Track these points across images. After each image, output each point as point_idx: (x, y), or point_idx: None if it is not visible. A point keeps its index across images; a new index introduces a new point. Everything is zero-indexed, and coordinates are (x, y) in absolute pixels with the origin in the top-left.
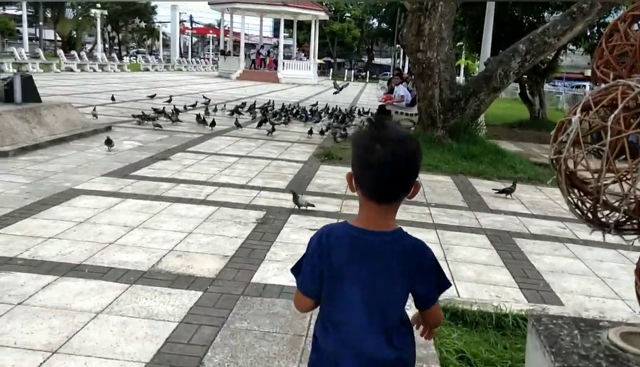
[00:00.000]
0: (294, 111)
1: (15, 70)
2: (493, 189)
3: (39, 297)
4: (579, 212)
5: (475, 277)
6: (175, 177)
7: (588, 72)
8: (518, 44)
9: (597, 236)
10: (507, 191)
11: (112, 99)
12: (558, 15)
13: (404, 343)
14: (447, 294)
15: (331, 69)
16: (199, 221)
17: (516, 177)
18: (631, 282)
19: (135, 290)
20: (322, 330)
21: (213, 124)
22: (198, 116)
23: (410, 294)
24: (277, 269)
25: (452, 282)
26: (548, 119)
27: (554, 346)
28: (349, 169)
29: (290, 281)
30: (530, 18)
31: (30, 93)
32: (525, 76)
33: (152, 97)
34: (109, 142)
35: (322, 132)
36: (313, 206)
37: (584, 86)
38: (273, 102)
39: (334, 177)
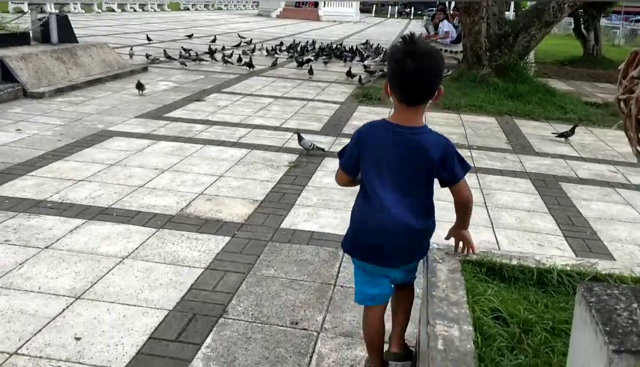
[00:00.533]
0: (336, 50)
1: (57, 11)
2: (552, 133)
3: (66, 241)
4: None
5: (517, 225)
6: (208, 119)
7: None
8: None
9: None
10: (566, 135)
11: (148, 39)
12: None
13: (424, 219)
14: (485, 245)
15: (374, 6)
16: (230, 163)
17: (565, 118)
18: None
19: (162, 235)
20: (358, 200)
21: (251, 65)
22: (237, 57)
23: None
24: (307, 215)
25: (492, 230)
26: (603, 56)
27: (608, 324)
28: (387, 111)
29: (320, 227)
30: None
31: (67, 33)
32: (581, 10)
33: (189, 37)
34: (140, 86)
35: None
36: (322, 149)
37: None
38: (314, 42)
39: (372, 118)
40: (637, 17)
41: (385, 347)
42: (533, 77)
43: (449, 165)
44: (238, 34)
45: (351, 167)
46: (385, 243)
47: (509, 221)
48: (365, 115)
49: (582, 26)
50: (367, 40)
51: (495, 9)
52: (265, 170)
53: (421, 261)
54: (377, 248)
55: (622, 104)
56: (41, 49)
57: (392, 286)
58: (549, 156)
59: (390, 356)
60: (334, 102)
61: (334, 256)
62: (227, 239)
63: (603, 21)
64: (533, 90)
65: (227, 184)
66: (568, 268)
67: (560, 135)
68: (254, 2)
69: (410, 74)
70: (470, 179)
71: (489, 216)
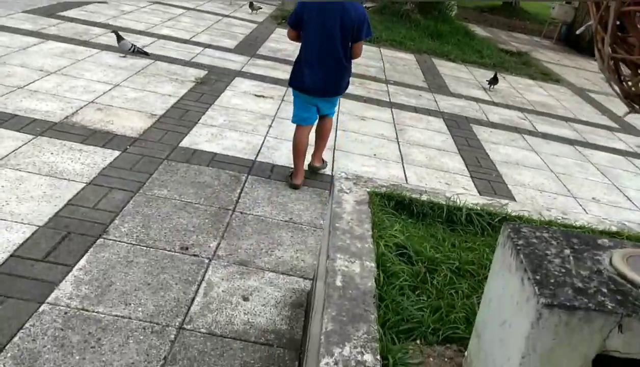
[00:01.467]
0: None
1: None
2: (486, 80)
3: None
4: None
5: (427, 162)
6: (109, 23)
7: None
8: None
9: (556, 128)
10: (493, 83)
11: None
12: None
13: (341, 72)
14: (394, 180)
15: None
16: (129, 73)
17: (482, 62)
18: (584, 181)
19: (40, 143)
20: (300, 57)
21: None
22: None
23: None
24: (211, 135)
25: (402, 165)
26: (520, 7)
27: (539, 272)
28: None
29: (223, 149)
30: None
31: None
32: None
33: None
34: None
35: None
36: (146, 53)
37: None
38: None
39: (289, 42)
40: None
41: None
42: (454, 18)
43: (360, 29)
44: None
45: (295, 22)
46: (321, 81)
47: (419, 158)
48: (283, 38)
49: None
50: None
51: None
52: (168, 84)
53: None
54: (315, 85)
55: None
56: None
57: (317, 115)
58: (463, 98)
59: (311, 168)
60: (251, 22)
61: (236, 180)
62: (117, 153)
63: None
64: (453, 31)
65: (123, 94)
66: (478, 208)
67: (491, 81)
68: None
69: None
70: (384, 112)
71: (400, 151)
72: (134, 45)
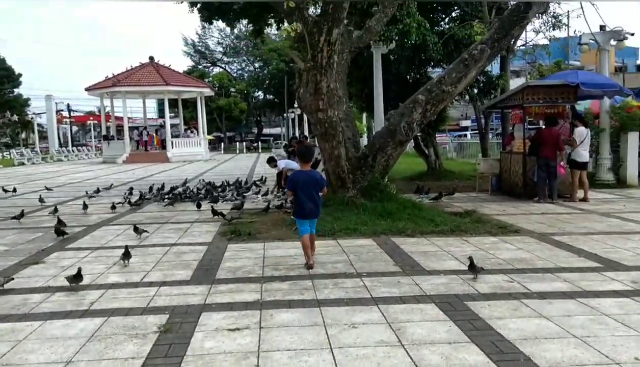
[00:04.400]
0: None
1: None
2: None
3: None
4: None
5: (447, 364)
6: (49, 285)
7: (463, 123)
8: (417, 95)
9: (547, 284)
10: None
11: None
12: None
13: (319, 204)
14: None
15: (222, 144)
16: (80, 341)
17: (438, 231)
18: (613, 339)
19: None
20: (298, 200)
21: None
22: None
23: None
24: None
25: None
26: (445, 169)
27: None
28: (260, 246)
29: None
30: (413, 74)
31: None
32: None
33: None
34: None
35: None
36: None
37: (465, 135)
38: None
39: (247, 256)
40: (458, 133)
41: None
42: (398, 194)
43: (323, 184)
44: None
45: (293, 189)
46: (309, 211)
47: (436, 361)
48: (239, 253)
49: (422, 144)
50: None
51: (349, 133)
52: (128, 343)
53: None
54: (307, 214)
55: None
56: None
57: (309, 229)
58: (441, 274)
59: (309, 267)
60: (201, 244)
61: None
62: None
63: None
64: (401, 207)
65: None
66: None
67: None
68: (97, 149)
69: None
70: (372, 313)
71: (411, 357)
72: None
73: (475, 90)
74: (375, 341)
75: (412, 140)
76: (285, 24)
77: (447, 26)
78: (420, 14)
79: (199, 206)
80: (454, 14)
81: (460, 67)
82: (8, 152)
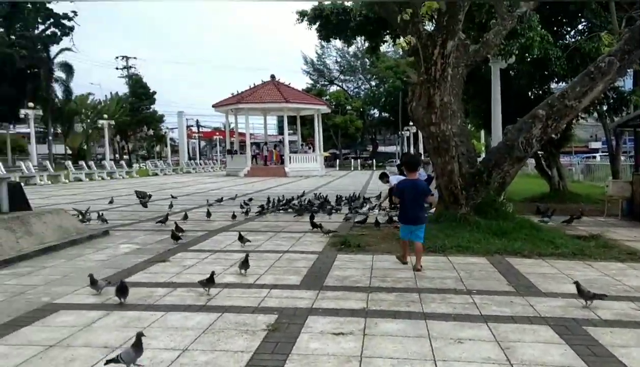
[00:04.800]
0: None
1: (22, 184)
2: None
3: None
4: None
5: None
6: (172, 281)
7: (593, 145)
8: (537, 110)
9: None
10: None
11: (111, 202)
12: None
13: (423, 214)
14: None
15: (337, 160)
16: (196, 333)
17: (559, 253)
18: None
19: None
20: (402, 206)
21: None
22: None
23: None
24: None
25: None
26: (569, 191)
27: None
28: (369, 257)
29: None
30: (534, 90)
31: (19, 201)
32: (540, 150)
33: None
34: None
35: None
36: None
37: (594, 157)
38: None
39: (355, 267)
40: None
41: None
42: (514, 213)
43: (428, 192)
44: (171, 195)
45: (399, 196)
46: (411, 218)
47: None
48: (347, 264)
49: (544, 163)
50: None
51: (464, 148)
52: (239, 339)
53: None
54: (409, 220)
55: None
56: None
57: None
58: (559, 296)
59: (416, 269)
60: (312, 252)
61: None
62: None
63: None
64: (517, 227)
65: (192, 360)
66: None
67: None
68: (221, 163)
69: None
70: (481, 330)
71: None
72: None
73: (605, 107)
74: (482, 358)
75: (534, 160)
76: (400, 38)
77: (573, 40)
78: (542, 27)
79: (312, 217)
80: (580, 26)
81: (585, 81)
82: (144, 164)
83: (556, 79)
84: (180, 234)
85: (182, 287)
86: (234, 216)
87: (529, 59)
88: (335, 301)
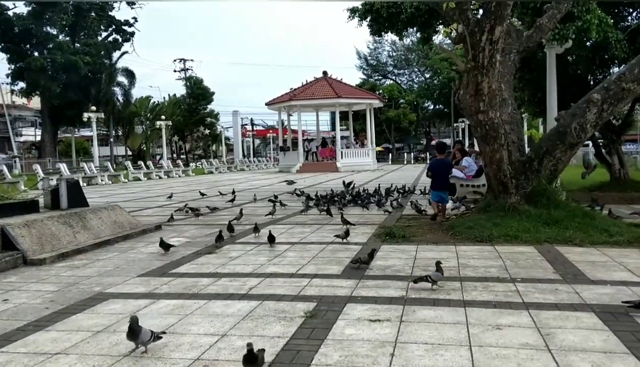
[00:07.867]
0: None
1: (85, 184)
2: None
3: None
4: None
5: None
6: (217, 271)
7: None
8: (592, 94)
9: None
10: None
11: (170, 197)
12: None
13: (448, 183)
14: None
15: (390, 155)
16: (236, 319)
17: (613, 241)
18: None
19: None
20: (434, 179)
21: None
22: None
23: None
24: None
25: None
26: (632, 179)
27: None
28: (413, 247)
29: None
30: (594, 75)
31: (77, 198)
32: (598, 135)
33: (201, 195)
34: (165, 246)
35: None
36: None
37: None
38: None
39: (398, 257)
40: None
41: None
42: (567, 201)
43: (451, 166)
44: (219, 191)
45: (430, 175)
46: (440, 186)
47: None
48: (391, 254)
49: (604, 151)
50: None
51: (514, 136)
52: (277, 324)
53: None
54: (438, 187)
55: None
56: (47, 215)
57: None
58: (607, 284)
59: (433, 217)
60: (356, 244)
61: None
62: None
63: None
64: (570, 215)
65: (230, 344)
66: None
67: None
68: (274, 160)
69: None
70: (521, 316)
71: (557, 362)
72: (153, 333)
73: None
74: (519, 343)
75: (594, 148)
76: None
77: (636, 22)
78: (602, 9)
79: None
80: None
81: None
82: (200, 163)
83: (617, 63)
84: (231, 234)
85: (226, 277)
86: (271, 212)
87: (586, 43)
88: (375, 289)
